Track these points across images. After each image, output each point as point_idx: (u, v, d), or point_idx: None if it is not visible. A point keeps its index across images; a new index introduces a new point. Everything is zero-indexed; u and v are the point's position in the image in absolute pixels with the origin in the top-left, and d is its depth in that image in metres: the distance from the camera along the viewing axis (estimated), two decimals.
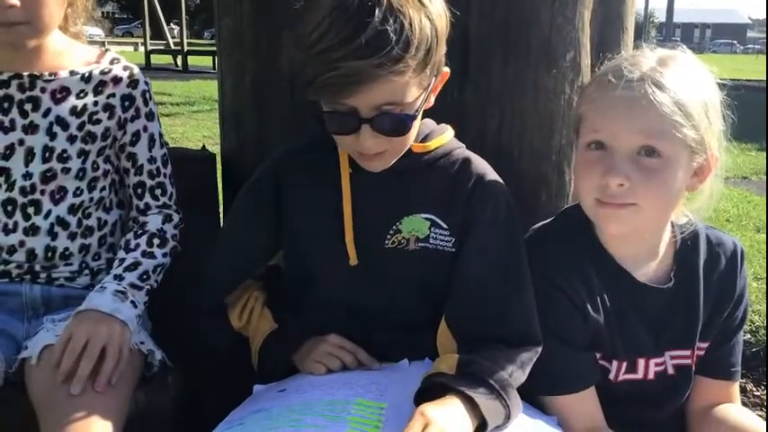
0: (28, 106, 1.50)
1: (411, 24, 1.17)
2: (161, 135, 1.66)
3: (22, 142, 1.49)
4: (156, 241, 1.57)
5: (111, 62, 1.59)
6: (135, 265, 1.51)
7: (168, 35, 18.83)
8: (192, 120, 8.75)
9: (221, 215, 1.94)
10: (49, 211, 1.52)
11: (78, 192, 1.55)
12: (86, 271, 1.59)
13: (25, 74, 1.50)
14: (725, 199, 5.41)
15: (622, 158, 1.28)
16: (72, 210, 1.54)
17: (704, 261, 1.44)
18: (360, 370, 1.34)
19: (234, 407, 1.33)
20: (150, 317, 1.64)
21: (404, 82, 1.20)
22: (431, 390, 1.19)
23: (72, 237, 1.55)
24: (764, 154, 7.76)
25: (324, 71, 1.17)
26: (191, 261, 1.58)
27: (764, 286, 3.54)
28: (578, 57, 1.66)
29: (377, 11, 1.14)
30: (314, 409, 1.16)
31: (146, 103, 1.61)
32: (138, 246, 1.55)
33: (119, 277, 1.48)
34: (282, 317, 1.46)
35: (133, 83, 1.59)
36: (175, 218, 1.65)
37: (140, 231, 1.59)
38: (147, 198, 1.63)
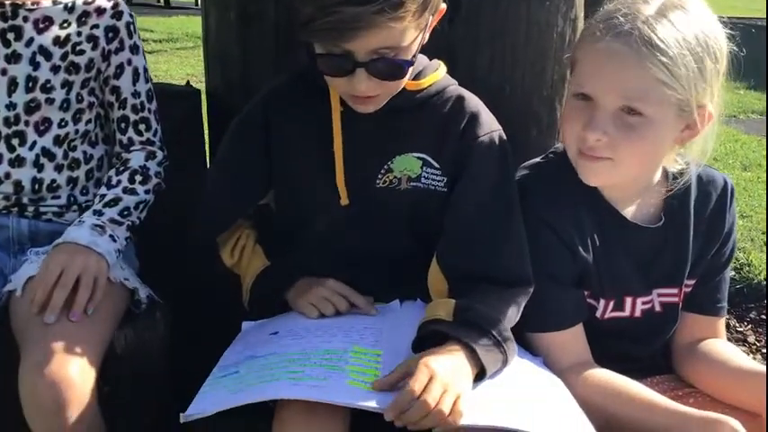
0: (10, 36, 1.47)
1: None
2: (146, 70, 1.63)
3: (4, 72, 1.47)
4: (138, 178, 1.55)
5: None
6: (115, 200, 1.50)
7: None
8: (176, 57, 8.57)
9: (207, 152, 1.91)
10: (34, 143, 1.50)
11: (63, 123, 1.53)
12: (75, 206, 1.57)
13: (7, 2, 1.47)
14: None
15: (603, 113, 1.25)
16: (57, 141, 1.52)
17: (695, 199, 1.43)
18: (352, 313, 1.34)
19: (224, 346, 1.33)
20: (138, 255, 1.62)
21: (402, 27, 1.18)
22: (428, 335, 1.19)
23: (58, 168, 1.53)
24: (753, 92, 7.74)
25: (321, 15, 1.14)
26: (177, 198, 1.57)
27: (749, 224, 3.57)
28: None
29: None
30: (312, 359, 1.16)
31: (130, 35, 1.58)
32: (119, 182, 1.53)
33: (98, 212, 1.47)
34: (275, 254, 1.44)
35: (117, 14, 1.56)
36: (159, 155, 1.62)
37: (122, 168, 1.56)
38: (131, 133, 1.60)
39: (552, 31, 1.61)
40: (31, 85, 1.48)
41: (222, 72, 1.79)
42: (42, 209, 1.54)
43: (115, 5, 1.56)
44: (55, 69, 1.50)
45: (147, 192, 1.55)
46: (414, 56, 1.25)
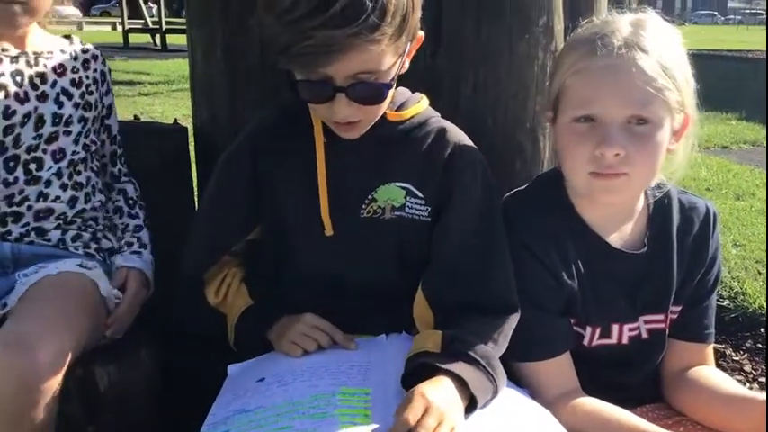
0: (37, 80, 1.60)
1: None
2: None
3: (36, 109, 1.59)
4: (144, 213, 1.76)
5: (82, 44, 1.74)
6: (144, 240, 1.71)
7: (146, 14, 18.54)
8: (171, 99, 8.66)
9: (195, 187, 1.92)
10: (50, 167, 1.61)
11: (74, 153, 1.65)
12: (60, 221, 1.62)
13: (30, 51, 1.61)
14: (705, 167, 5.45)
15: (615, 128, 1.26)
16: (70, 164, 1.64)
17: (678, 225, 1.44)
18: (338, 349, 1.32)
19: (210, 383, 1.32)
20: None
21: (380, 50, 1.17)
22: (417, 368, 1.18)
23: (64, 187, 1.62)
24: (744, 123, 7.82)
25: (297, 40, 1.13)
26: (165, 233, 1.57)
27: (743, 253, 3.57)
28: (551, 22, 1.64)
29: None
30: (300, 410, 1.13)
31: (110, 80, 1.77)
32: (137, 215, 1.75)
33: (143, 245, 1.69)
34: (258, 293, 1.44)
35: (103, 61, 1.76)
36: (137, 187, 1.80)
37: (131, 201, 1.76)
38: (119, 165, 1.80)
39: (533, 63, 1.63)
40: (56, 120, 1.62)
41: (209, 108, 1.81)
42: (23, 229, 1.58)
43: (100, 54, 1.76)
44: (76, 106, 1.66)
45: (149, 228, 1.74)
46: (392, 80, 1.25)
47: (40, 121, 1.59)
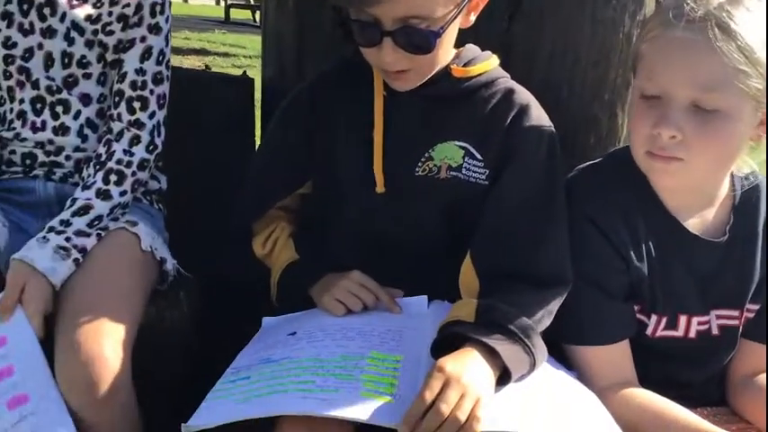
0: (46, 10, 1.46)
1: None
2: (162, 54, 1.52)
3: (41, 46, 1.47)
4: (113, 177, 1.43)
5: None
6: (85, 208, 1.39)
7: None
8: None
9: (257, 139, 1.89)
10: (79, 112, 1.50)
11: (102, 98, 1.52)
12: None
13: None
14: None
15: (676, 108, 1.15)
16: (100, 114, 1.52)
17: (765, 218, 1.31)
18: (376, 312, 1.27)
19: (245, 330, 1.29)
20: (167, 227, 1.59)
21: None
22: (448, 338, 1.12)
23: (101, 139, 1.50)
24: None
25: None
26: (223, 183, 1.55)
27: None
28: None
29: None
30: (325, 368, 1.09)
31: (153, 14, 1.50)
32: (93, 184, 1.42)
33: (65, 223, 1.36)
34: (306, 249, 1.39)
35: None
36: (145, 139, 1.48)
37: (99, 164, 1.45)
38: (122, 108, 1.47)
39: (618, 30, 1.52)
40: (66, 60, 1.47)
41: (277, 60, 1.78)
42: (74, 171, 1.53)
43: None
44: (89, 44, 1.48)
45: (122, 193, 1.43)
46: (442, 29, 1.18)
47: (49, 60, 1.46)
